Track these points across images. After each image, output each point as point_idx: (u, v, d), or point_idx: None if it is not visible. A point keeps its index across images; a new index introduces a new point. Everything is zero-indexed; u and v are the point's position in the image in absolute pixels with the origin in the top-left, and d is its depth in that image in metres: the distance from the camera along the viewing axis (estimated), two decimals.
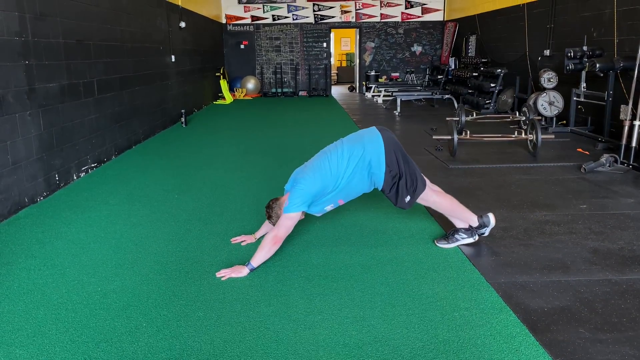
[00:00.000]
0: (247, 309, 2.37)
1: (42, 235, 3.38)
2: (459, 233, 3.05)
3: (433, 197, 3.00)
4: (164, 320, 2.28)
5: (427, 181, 3.00)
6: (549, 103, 7.19)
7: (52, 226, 3.55)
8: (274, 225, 2.87)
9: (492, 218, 3.06)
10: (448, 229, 3.21)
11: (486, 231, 3.07)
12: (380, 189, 2.90)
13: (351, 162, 2.79)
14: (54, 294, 2.53)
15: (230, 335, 2.15)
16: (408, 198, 2.87)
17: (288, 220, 2.77)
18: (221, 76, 12.64)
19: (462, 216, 3.05)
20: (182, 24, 9.12)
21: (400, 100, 9.75)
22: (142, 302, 2.44)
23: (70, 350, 2.05)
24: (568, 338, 2.09)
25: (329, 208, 2.93)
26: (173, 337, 2.14)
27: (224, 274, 2.70)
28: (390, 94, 11.16)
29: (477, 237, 3.05)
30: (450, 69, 12.38)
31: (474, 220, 3.04)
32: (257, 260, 2.75)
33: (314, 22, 13.98)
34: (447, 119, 7.09)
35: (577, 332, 2.13)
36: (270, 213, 2.88)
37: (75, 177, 4.84)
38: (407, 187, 2.85)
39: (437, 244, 3.07)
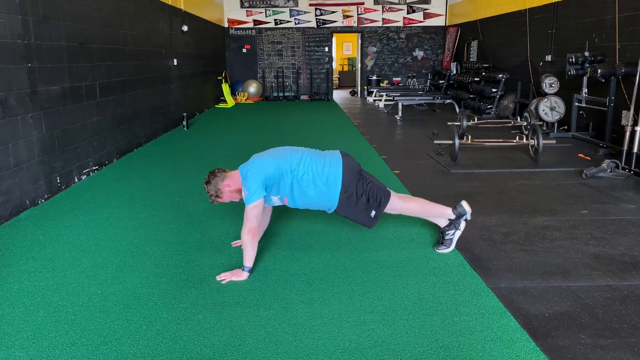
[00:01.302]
0: (247, 312, 2.37)
1: (43, 237, 3.38)
2: (446, 232, 3.06)
3: (400, 204, 3.03)
4: (164, 323, 2.28)
5: (392, 192, 3.03)
6: (550, 108, 7.19)
7: (53, 228, 3.55)
8: (207, 193, 2.91)
9: (465, 205, 3.05)
10: None
11: (467, 216, 3.07)
12: (333, 210, 2.94)
13: (310, 170, 2.84)
14: (55, 297, 2.53)
15: (230, 339, 2.15)
16: (373, 213, 2.92)
17: (253, 210, 2.78)
18: (223, 80, 12.66)
19: (437, 213, 3.08)
20: (185, 28, 9.15)
21: (402, 104, 9.77)
22: (142, 305, 2.44)
23: (70, 353, 2.05)
24: (569, 344, 2.08)
25: (275, 200, 2.94)
26: (173, 340, 2.14)
27: (225, 277, 2.71)
28: (391, 98, 11.18)
29: (463, 224, 3.06)
30: (451, 73, 12.39)
31: (449, 213, 3.06)
32: (248, 259, 2.76)
33: (316, 27, 14.02)
34: (449, 123, 7.09)
35: (578, 338, 2.12)
36: (210, 179, 2.88)
37: (76, 180, 4.84)
38: (370, 202, 2.90)
39: (437, 250, 3.07)
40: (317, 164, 2.87)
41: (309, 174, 2.83)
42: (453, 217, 3.06)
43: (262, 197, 2.78)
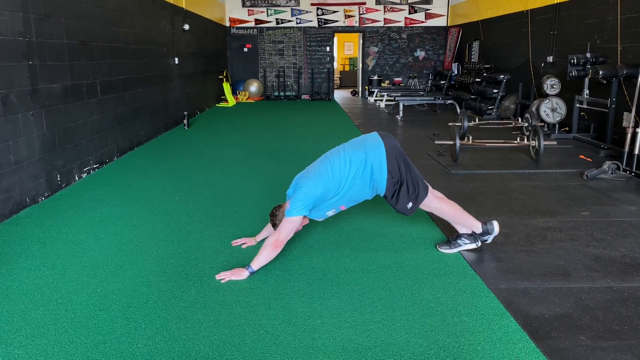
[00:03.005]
0: (246, 311, 2.36)
1: (43, 235, 3.38)
2: (462, 238, 3.04)
3: (435, 203, 2.99)
4: (163, 322, 2.27)
5: (430, 187, 2.99)
6: (551, 109, 7.19)
7: (52, 226, 3.55)
8: None
9: (496, 226, 3.04)
10: (450, 235, 3.20)
11: (489, 238, 3.05)
12: (382, 195, 2.90)
13: (353, 167, 2.78)
14: (54, 295, 2.53)
15: (229, 338, 2.14)
16: (410, 204, 2.86)
17: (289, 223, 2.76)
18: (224, 79, 12.66)
19: (465, 222, 3.04)
20: (186, 27, 9.15)
21: (403, 105, 9.76)
22: (141, 304, 2.43)
23: (69, 351, 2.05)
24: (569, 345, 2.08)
25: (330, 213, 2.92)
26: (172, 339, 2.13)
27: (224, 276, 2.70)
28: (393, 98, 11.17)
29: (479, 244, 3.03)
30: (453, 74, 12.38)
31: (477, 227, 3.03)
32: (258, 263, 2.74)
33: (317, 26, 14.01)
34: (450, 124, 7.09)
35: (578, 339, 2.12)
36: (274, 221, 2.86)
37: (77, 178, 4.84)
38: (409, 193, 2.84)
39: (440, 249, 3.07)
40: (359, 156, 2.80)
41: (354, 170, 2.78)
42: (479, 231, 3.03)
43: (302, 216, 2.77)
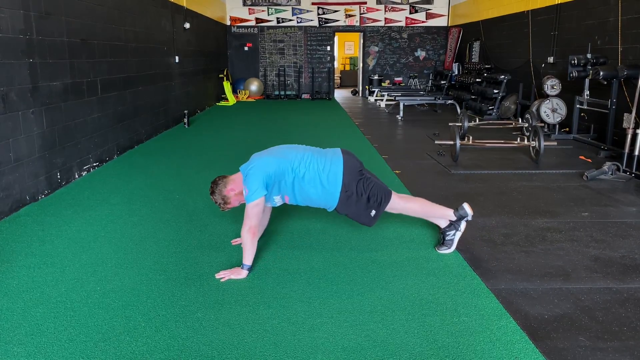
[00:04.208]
0: (246, 310, 2.37)
1: (43, 233, 3.38)
2: (447, 233, 3.06)
3: (400, 203, 3.02)
4: (163, 320, 2.27)
5: (393, 192, 3.02)
6: (551, 110, 7.19)
7: (52, 224, 3.55)
8: (216, 202, 2.91)
9: (467, 208, 3.05)
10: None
11: (469, 217, 3.07)
12: (333, 208, 2.92)
13: (311, 168, 2.82)
14: (53, 292, 2.53)
15: (228, 337, 2.14)
16: (373, 212, 2.91)
17: (254, 208, 2.77)
18: (224, 78, 12.66)
19: (438, 213, 3.08)
20: (187, 25, 9.14)
21: (403, 104, 9.76)
22: (141, 302, 2.43)
23: (69, 349, 2.05)
24: (568, 346, 2.08)
25: (277, 199, 2.92)
26: (171, 338, 2.13)
27: (224, 275, 2.70)
28: (393, 98, 11.17)
29: (463, 225, 3.06)
30: (453, 74, 12.38)
31: (450, 215, 3.06)
32: (248, 258, 2.76)
33: (318, 26, 14.01)
34: (450, 124, 7.09)
35: (577, 340, 2.12)
36: (213, 189, 2.89)
37: (77, 176, 4.84)
38: (370, 202, 2.88)
39: (438, 251, 3.07)
40: (318, 162, 2.85)
41: (310, 173, 2.82)
42: (454, 218, 3.05)
43: (263, 196, 2.77)
